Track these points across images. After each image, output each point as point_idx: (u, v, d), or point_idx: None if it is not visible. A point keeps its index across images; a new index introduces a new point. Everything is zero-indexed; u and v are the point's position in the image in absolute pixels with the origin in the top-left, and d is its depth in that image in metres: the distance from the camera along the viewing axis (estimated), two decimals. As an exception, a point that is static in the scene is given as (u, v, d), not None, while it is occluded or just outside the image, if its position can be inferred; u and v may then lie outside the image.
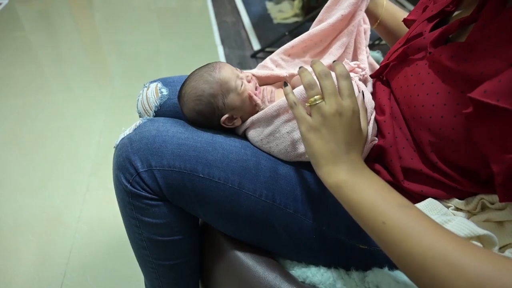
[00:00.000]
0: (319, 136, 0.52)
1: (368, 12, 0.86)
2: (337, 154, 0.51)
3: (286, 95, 0.56)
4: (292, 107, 0.55)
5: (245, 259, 0.64)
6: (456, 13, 0.60)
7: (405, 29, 0.80)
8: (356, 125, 0.52)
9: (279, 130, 0.63)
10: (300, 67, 0.56)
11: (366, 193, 0.48)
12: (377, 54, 0.96)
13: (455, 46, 0.51)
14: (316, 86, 0.53)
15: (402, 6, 2.61)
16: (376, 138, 0.63)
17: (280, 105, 0.63)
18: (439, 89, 0.52)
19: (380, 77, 0.68)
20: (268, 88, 0.72)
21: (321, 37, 0.73)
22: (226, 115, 0.67)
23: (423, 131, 0.54)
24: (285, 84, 0.57)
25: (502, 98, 0.41)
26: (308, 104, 0.53)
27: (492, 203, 0.54)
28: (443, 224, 0.51)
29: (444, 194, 0.57)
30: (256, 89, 0.70)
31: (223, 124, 0.68)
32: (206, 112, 0.67)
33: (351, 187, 0.49)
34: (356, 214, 0.48)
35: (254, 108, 0.69)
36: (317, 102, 0.52)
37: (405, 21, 0.75)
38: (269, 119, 0.64)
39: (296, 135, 0.63)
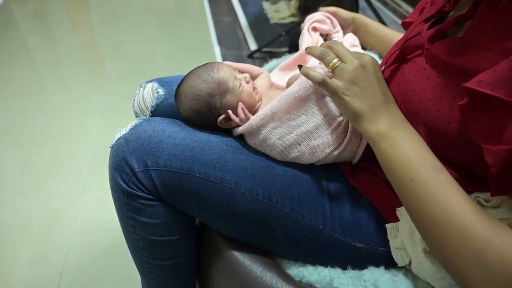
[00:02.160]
0: (354, 95, 0.53)
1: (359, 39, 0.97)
2: (376, 106, 0.53)
3: (307, 74, 0.57)
4: (322, 84, 0.55)
5: (242, 258, 0.64)
6: (452, 12, 0.61)
7: None
8: (381, 73, 0.54)
9: (269, 137, 0.63)
10: (306, 48, 0.58)
11: (403, 149, 0.50)
12: (374, 55, 0.97)
13: (452, 41, 0.52)
14: (330, 52, 0.54)
15: (399, 6, 2.62)
16: None
17: (265, 114, 0.63)
18: (435, 84, 0.52)
19: None
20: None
21: (296, 60, 0.89)
22: (223, 116, 0.67)
23: (419, 126, 0.55)
24: (300, 66, 0.57)
25: (496, 88, 0.41)
26: (330, 69, 0.54)
27: (487, 201, 0.54)
28: None
29: None
30: (254, 89, 0.69)
31: (219, 125, 0.68)
32: (203, 111, 0.67)
33: (389, 141, 0.51)
34: (387, 167, 0.51)
35: (251, 109, 0.69)
36: (337, 64, 0.53)
37: (403, 23, 0.76)
38: (256, 130, 0.64)
39: (288, 140, 0.62)
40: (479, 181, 0.54)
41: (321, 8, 1.01)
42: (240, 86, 0.67)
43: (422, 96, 0.54)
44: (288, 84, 0.78)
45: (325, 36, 0.98)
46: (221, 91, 0.66)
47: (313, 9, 2.06)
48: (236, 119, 0.66)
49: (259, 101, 0.70)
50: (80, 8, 2.93)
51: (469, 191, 0.55)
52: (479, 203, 0.55)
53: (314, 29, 0.97)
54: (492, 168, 0.44)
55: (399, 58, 0.62)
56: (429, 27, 0.60)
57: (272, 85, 0.87)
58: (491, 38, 0.47)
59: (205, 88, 0.66)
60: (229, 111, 0.66)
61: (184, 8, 2.86)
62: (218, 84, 0.66)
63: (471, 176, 0.54)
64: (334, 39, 0.95)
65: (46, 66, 2.16)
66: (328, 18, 0.98)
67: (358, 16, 1.00)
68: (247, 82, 0.69)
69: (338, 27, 0.98)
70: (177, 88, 0.70)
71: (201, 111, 0.67)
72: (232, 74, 0.68)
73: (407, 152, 0.50)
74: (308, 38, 0.95)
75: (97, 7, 2.88)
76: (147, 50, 2.29)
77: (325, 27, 0.97)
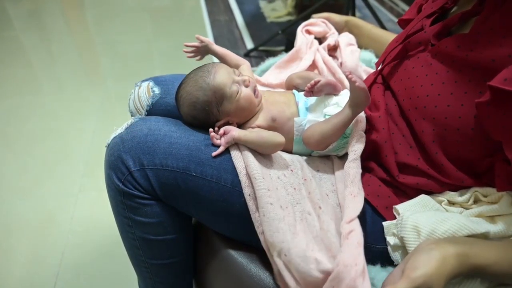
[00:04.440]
0: None
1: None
2: None
3: None
4: None
5: (238, 257, 0.64)
6: (454, 9, 0.62)
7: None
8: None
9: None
10: None
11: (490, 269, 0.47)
12: (370, 54, 0.97)
13: (460, 37, 0.53)
14: None
15: (395, 4, 2.62)
16: (364, 134, 0.63)
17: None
18: (445, 79, 0.53)
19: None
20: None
21: (291, 57, 0.92)
22: (222, 121, 0.66)
23: (426, 120, 0.55)
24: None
25: None
26: None
27: (485, 196, 0.55)
28: (440, 223, 0.52)
29: (438, 187, 0.58)
30: (254, 92, 0.68)
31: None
32: (201, 117, 0.66)
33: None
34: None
35: (250, 113, 0.68)
36: None
37: (400, 21, 0.77)
38: None
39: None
40: (479, 177, 0.54)
41: (314, 15, 1.04)
42: (238, 92, 0.65)
43: (430, 91, 0.54)
44: (287, 82, 0.77)
45: (321, 39, 0.99)
46: (218, 98, 0.65)
47: (309, 7, 2.06)
48: (217, 142, 0.63)
49: (258, 105, 0.68)
50: (75, 7, 2.91)
51: (468, 187, 0.56)
52: (476, 197, 0.55)
53: (308, 32, 0.98)
54: None
55: (400, 54, 0.62)
56: (431, 24, 0.61)
57: (267, 85, 0.87)
58: (499, 34, 0.48)
59: (201, 95, 0.65)
60: (212, 134, 0.63)
61: (180, 7, 2.85)
62: (214, 92, 0.65)
63: (472, 170, 0.54)
64: (329, 38, 0.95)
65: (41, 66, 2.14)
66: (323, 22, 0.99)
67: (351, 19, 1.01)
68: (247, 86, 0.67)
69: (333, 29, 0.99)
70: (176, 91, 0.69)
71: (198, 117, 0.66)
72: (230, 78, 0.66)
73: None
74: (301, 38, 0.95)
75: (92, 6, 2.87)
76: (142, 49, 2.29)
77: (319, 29, 0.98)
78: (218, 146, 0.63)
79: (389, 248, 0.59)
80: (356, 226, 0.54)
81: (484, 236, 0.52)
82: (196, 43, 0.78)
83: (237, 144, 0.64)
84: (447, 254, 0.45)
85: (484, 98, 0.46)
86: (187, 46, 0.78)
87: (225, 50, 0.77)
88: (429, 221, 0.52)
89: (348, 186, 0.58)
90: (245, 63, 0.76)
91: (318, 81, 0.66)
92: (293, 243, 0.53)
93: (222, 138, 0.62)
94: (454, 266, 0.45)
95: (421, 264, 0.44)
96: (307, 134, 0.65)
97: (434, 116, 0.54)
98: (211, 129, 0.63)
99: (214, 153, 0.61)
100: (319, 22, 0.99)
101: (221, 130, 0.63)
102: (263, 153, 0.64)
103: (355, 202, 0.56)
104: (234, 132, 0.62)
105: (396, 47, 0.64)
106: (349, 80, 0.59)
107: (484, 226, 0.53)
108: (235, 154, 0.62)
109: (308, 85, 0.67)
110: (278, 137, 0.63)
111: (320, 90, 0.68)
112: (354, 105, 0.61)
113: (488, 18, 0.50)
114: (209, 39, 0.78)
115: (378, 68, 0.70)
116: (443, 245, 0.46)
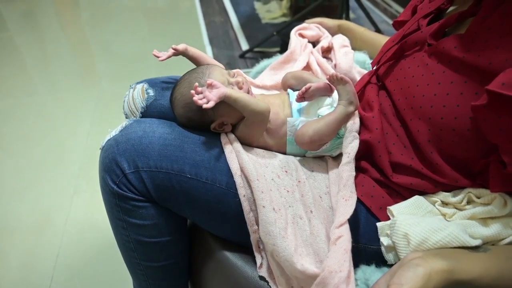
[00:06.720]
0: None
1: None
2: None
3: None
4: None
5: (234, 259, 0.64)
6: (450, 9, 0.63)
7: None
8: None
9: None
10: None
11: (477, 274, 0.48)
12: (364, 55, 0.97)
13: (457, 37, 0.53)
14: None
15: (389, 6, 2.64)
16: (358, 135, 0.64)
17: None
18: (441, 80, 0.53)
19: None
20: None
21: (286, 58, 0.93)
22: (216, 122, 0.66)
23: (422, 120, 0.55)
24: None
25: None
26: None
27: (479, 197, 0.55)
28: (433, 232, 0.52)
29: (432, 187, 0.58)
30: (247, 94, 0.68)
31: (213, 130, 0.67)
32: (196, 118, 0.66)
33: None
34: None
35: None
36: None
37: (395, 23, 0.77)
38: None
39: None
40: (473, 177, 0.54)
41: (307, 21, 1.05)
42: None
43: (426, 91, 0.54)
44: (283, 81, 0.77)
45: (314, 42, 1.00)
46: None
47: (304, 9, 2.07)
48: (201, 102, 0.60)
49: None
50: (69, 8, 2.90)
51: (462, 187, 0.56)
52: (470, 198, 0.56)
53: (301, 35, 0.99)
54: (509, 166, 0.46)
55: (397, 54, 0.63)
56: (428, 24, 0.61)
57: (262, 87, 0.87)
58: (497, 34, 0.48)
59: None
60: (195, 98, 0.60)
61: (175, 8, 2.85)
62: None
63: (467, 171, 0.54)
64: (323, 41, 0.96)
65: (35, 67, 2.13)
66: (316, 26, 1.01)
67: (344, 23, 1.02)
68: (240, 88, 0.67)
69: (327, 33, 1.00)
70: (171, 93, 0.69)
71: (193, 118, 0.67)
72: (225, 79, 0.67)
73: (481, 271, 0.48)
74: (295, 40, 0.96)
75: (87, 7, 2.86)
76: (137, 50, 2.28)
77: (312, 33, 0.99)
78: (214, 146, 0.63)
79: (382, 248, 0.59)
80: (345, 232, 0.54)
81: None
82: (170, 53, 0.77)
83: (231, 144, 0.64)
84: (433, 270, 0.46)
85: (481, 101, 0.46)
86: (158, 56, 0.77)
87: (200, 53, 0.77)
88: (422, 229, 0.52)
89: (341, 190, 0.59)
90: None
91: (309, 88, 0.66)
92: (282, 247, 0.55)
93: (213, 92, 0.60)
94: (438, 282, 0.46)
95: (407, 281, 0.45)
96: (300, 132, 0.65)
97: (430, 116, 0.54)
98: (194, 85, 0.61)
99: (204, 105, 0.59)
100: (312, 26, 1.00)
101: (209, 81, 0.61)
102: (251, 120, 0.64)
103: (346, 206, 0.57)
104: (224, 89, 0.61)
105: (393, 46, 0.64)
106: (331, 80, 0.62)
107: (478, 231, 0.53)
108: (229, 155, 0.62)
109: (299, 92, 0.67)
110: (265, 103, 0.64)
111: (312, 95, 0.68)
112: (345, 102, 0.63)
113: (486, 18, 0.51)
114: (185, 45, 0.76)
115: (374, 68, 0.70)
116: (429, 261, 0.47)
